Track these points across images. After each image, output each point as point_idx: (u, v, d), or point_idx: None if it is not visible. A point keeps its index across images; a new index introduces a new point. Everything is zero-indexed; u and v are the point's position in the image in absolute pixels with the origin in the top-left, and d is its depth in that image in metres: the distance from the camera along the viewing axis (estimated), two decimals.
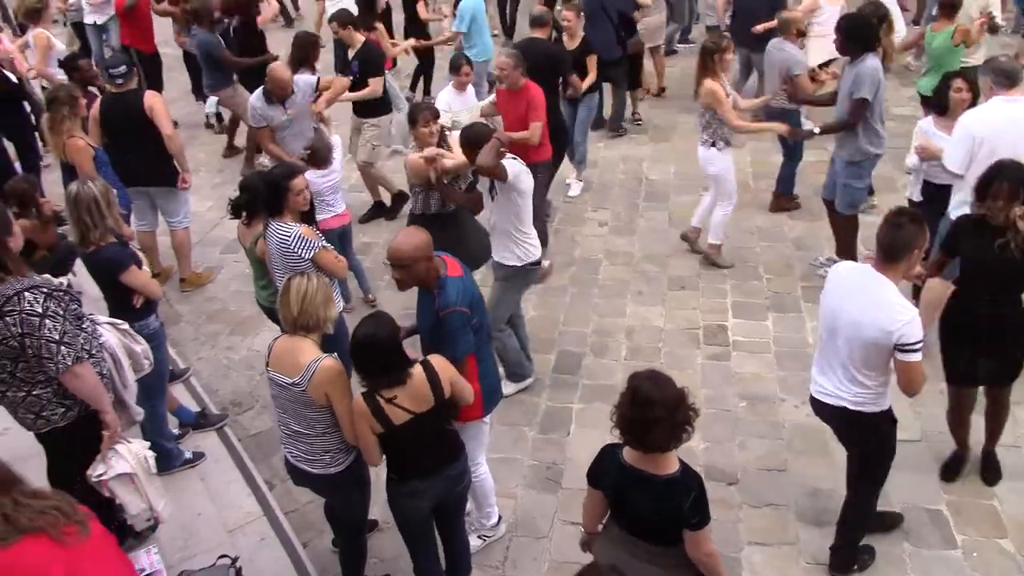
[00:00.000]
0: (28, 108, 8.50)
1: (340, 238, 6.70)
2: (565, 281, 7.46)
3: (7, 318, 3.72)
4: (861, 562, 4.68)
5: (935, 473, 5.22)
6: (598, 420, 5.69)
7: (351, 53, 8.19)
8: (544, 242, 7.73)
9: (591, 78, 8.49)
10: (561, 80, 8.05)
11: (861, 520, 4.57)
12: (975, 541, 4.79)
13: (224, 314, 7.30)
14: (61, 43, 9.54)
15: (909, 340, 3.84)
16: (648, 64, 10.96)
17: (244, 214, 5.54)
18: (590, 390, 6.12)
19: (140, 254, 5.10)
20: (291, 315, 3.90)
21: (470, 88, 8.02)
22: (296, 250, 4.92)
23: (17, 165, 8.33)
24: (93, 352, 4.04)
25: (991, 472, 5.18)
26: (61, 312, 3.82)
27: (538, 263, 5.71)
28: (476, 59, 9.70)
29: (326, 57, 9.58)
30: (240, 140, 9.86)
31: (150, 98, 6.85)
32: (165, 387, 5.37)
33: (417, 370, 3.80)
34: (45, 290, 3.81)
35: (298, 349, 3.89)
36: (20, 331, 3.73)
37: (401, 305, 6.33)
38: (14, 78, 8.25)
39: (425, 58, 11.37)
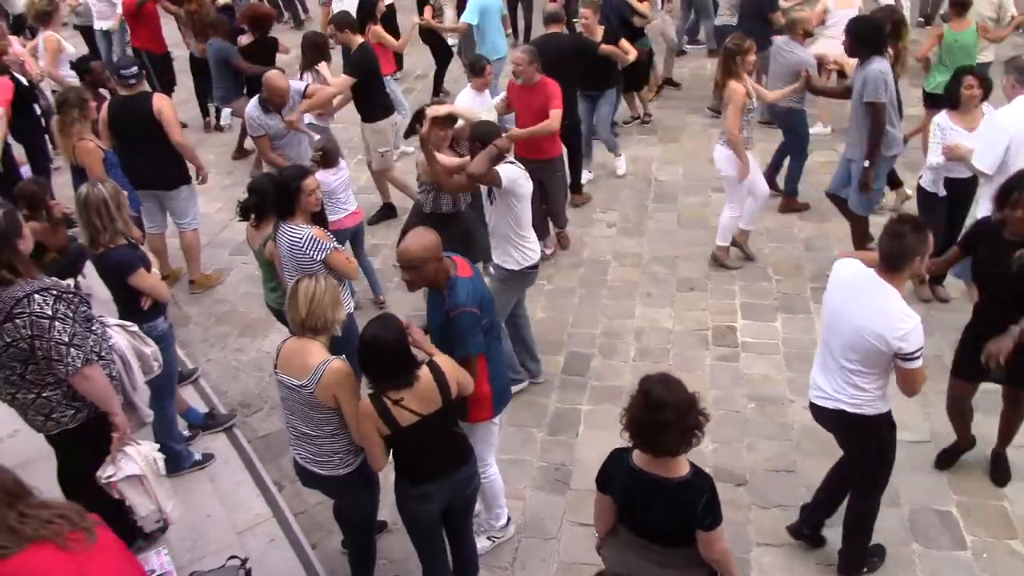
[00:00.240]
0: (38, 111, 8.53)
1: (353, 237, 6.72)
2: (574, 282, 7.45)
3: (17, 320, 3.73)
4: (871, 564, 4.66)
5: (944, 474, 5.20)
6: (607, 421, 5.70)
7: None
8: (560, 225, 7.88)
9: (632, 55, 8.48)
10: (588, 70, 8.21)
11: (865, 523, 4.54)
12: (985, 542, 4.77)
13: (233, 316, 7.32)
14: (71, 46, 9.58)
15: (910, 349, 3.84)
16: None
17: (253, 216, 5.56)
18: (599, 391, 6.12)
19: (150, 256, 5.11)
20: (299, 317, 3.91)
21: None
22: (308, 252, 4.93)
23: (27, 167, 8.38)
24: (103, 354, 4.05)
25: (1001, 473, 5.15)
26: (71, 314, 3.84)
27: (536, 267, 5.68)
28: (488, 58, 9.72)
29: (336, 58, 9.58)
30: (250, 142, 9.87)
31: (158, 101, 6.87)
32: (174, 389, 5.39)
33: (424, 372, 3.80)
34: (55, 292, 3.83)
35: (306, 351, 3.89)
36: (30, 333, 3.75)
37: (411, 306, 6.35)
38: (25, 81, 8.28)
39: (441, 58, 11.39)
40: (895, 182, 7.84)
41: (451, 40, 11.54)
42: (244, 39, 9.40)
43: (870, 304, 3.94)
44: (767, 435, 5.63)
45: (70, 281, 4.42)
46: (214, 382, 6.45)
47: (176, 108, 7.18)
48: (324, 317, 3.91)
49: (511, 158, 5.44)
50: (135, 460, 4.15)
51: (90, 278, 5.21)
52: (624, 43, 8.51)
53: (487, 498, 4.81)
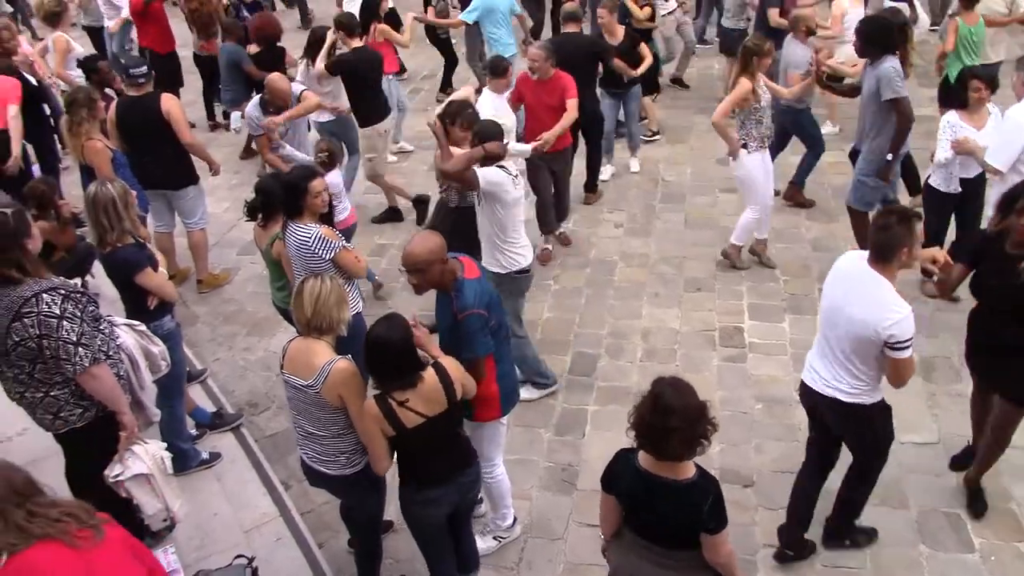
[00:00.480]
0: (47, 110, 8.56)
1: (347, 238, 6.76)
2: (580, 283, 7.45)
3: (25, 319, 3.74)
4: (854, 540, 4.77)
5: (952, 476, 5.18)
6: (613, 422, 5.69)
7: None
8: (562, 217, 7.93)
9: (646, 64, 8.59)
10: (604, 70, 8.29)
11: (857, 503, 4.66)
12: (993, 544, 4.75)
13: (241, 315, 7.34)
14: (80, 46, 9.61)
15: (899, 339, 3.89)
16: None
17: (260, 216, 5.57)
18: (605, 392, 6.12)
19: (157, 255, 5.12)
20: (304, 317, 3.91)
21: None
22: (317, 251, 4.93)
23: (36, 167, 8.40)
24: (110, 353, 4.06)
25: (978, 504, 4.95)
26: (78, 314, 3.85)
27: (526, 271, 5.62)
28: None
29: None
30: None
31: (167, 102, 6.88)
32: (183, 388, 5.40)
33: (429, 373, 3.80)
34: (63, 292, 3.84)
35: (312, 351, 3.90)
36: (38, 332, 3.76)
37: (418, 306, 6.33)
38: (34, 81, 8.31)
39: (450, 59, 11.39)
40: (914, 187, 7.82)
41: (454, 39, 11.56)
42: (253, 48, 9.41)
43: (863, 295, 4.00)
44: (774, 436, 5.62)
45: (78, 280, 4.43)
46: (221, 381, 6.46)
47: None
48: (329, 317, 3.91)
49: (508, 162, 5.40)
50: (142, 459, 4.16)
51: (98, 277, 5.22)
52: (643, 48, 8.59)
53: (494, 498, 4.82)
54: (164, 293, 4.99)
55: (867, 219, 6.91)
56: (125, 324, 4.42)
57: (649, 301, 7.14)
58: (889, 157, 6.63)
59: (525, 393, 5.61)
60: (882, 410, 4.29)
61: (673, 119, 10.60)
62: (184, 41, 11.09)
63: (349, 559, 4.79)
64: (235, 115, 10.36)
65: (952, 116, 6.27)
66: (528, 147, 6.97)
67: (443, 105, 6.54)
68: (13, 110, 7.35)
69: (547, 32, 12.33)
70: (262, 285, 7.13)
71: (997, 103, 6.36)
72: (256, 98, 7.18)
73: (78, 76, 8.65)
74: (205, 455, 5.48)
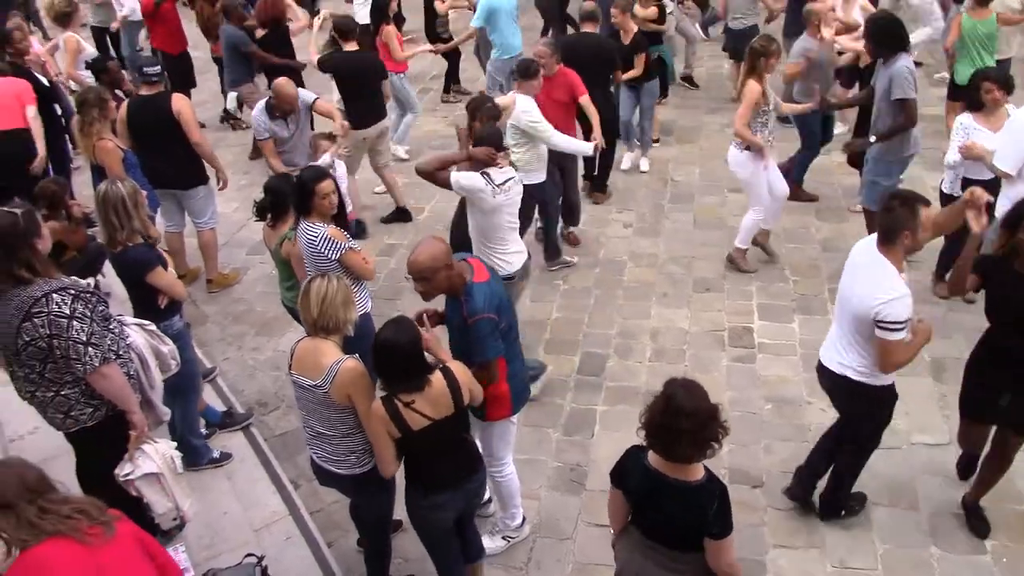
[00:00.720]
0: (58, 111, 8.59)
1: None
2: (589, 283, 7.44)
3: (35, 319, 3.76)
4: (849, 509, 4.91)
5: None
6: (622, 422, 5.69)
7: None
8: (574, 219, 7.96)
9: (634, 72, 8.66)
10: (625, 63, 8.40)
11: (850, 476, 4.81)
12: (1005, 546, 4.73)
13: (250, 315, 7.35)
14: (91, 47, 9.65)
15: (886, 319, 4.02)
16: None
17: (269, 216, 5.58)
18: (614, 392, 6.11)
19: (166, 255, 5.14)
20: (311, 317, 3.92)
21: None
22: (323, 251, 4.94)
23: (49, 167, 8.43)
24: (120, 353, 4.08)
25: (980, 525, 4.83)
26: (88, 313, 3.86)
27: (510, 278, 5.54)
28: (499, 57, 9.74)
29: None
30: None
31: (178, 101, 6.91)
32: (198, 385, 5.42)
33: (437, 376, 3.80)
34: (73, 292, 3.85)
35: (320, 351, 3.90)
36: (48, 332, 3.78)
37: (425, 307, 6.34)
38: (45, 81, 8.35)
39: (450, 58, 11.39)
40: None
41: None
42: (260, 32, 9.44)
43: (865, 275, 4.18)
44: (784, 437, 5.61)
45: (90, 280, 4.44)
46: (231, 381, 6.48)
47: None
48: (336, 317, 3.91)
49: (499, 171, 5.37)
50: (152, 458, 4.18)
51: (109, 277, 5.25)
52: (641, 58, 8.63)
53: (503, 497, 4.82)
54: (174, 292, 5.01)
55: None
56: (135, 323, 4.43)
57: (658, 301, 7.13)
58: (872, 139, 6.69)
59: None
60: (890, 395, 4.43)
61: (683, 119, 10.58)
62: (195, 42, 11.13)
63: (358, 558, 4.80)
64: (231, 95, 10.38)
65: (966, 118, 6.23)
66: (589, 146, 7.06)
67: (468, 100, 6.55)
68: (32, 111, 7.39)
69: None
70: (271, 285, 7.15)
71: (1013, 103, 6.30)
72: (261, 103, 7.17)
73: (88, 77, 8.68)
74: (216, 454, 5.50)
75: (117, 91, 7.87)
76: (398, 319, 3.84)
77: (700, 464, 3.25)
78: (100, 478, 4.09)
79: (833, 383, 4.54)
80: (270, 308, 7.21)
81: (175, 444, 4.45)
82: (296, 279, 5.30)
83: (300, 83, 8.43)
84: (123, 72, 8.30)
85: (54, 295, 3.79)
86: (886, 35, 6.47)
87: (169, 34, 10.38)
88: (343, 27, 8.13)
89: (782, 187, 7.31)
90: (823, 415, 5.64)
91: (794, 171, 8.33)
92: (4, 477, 2.88)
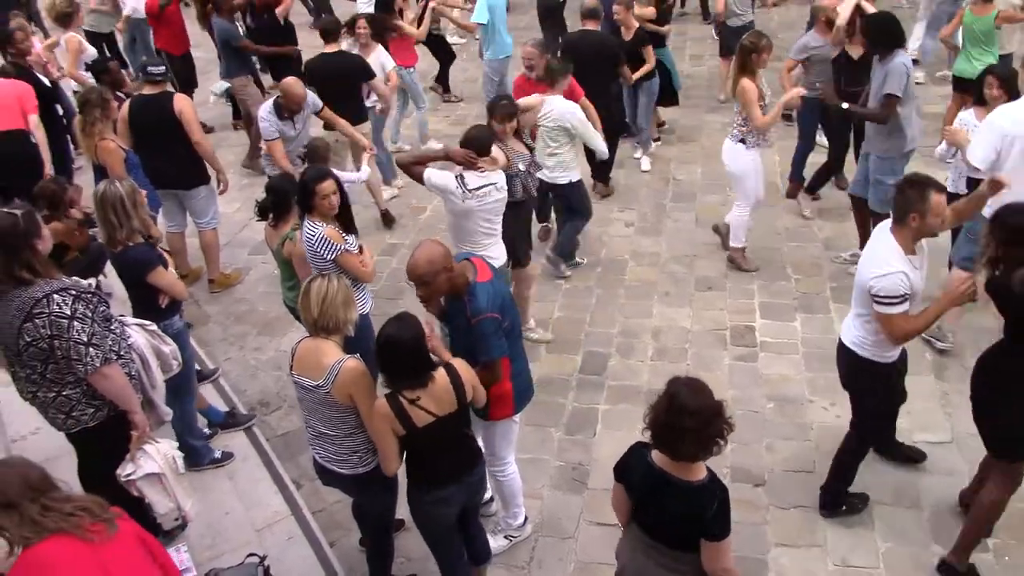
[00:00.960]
0: (60, 111, 8.60)
1: None
2: (591, 282, 7.44)
3: (36, 320, 3.76)
4: (851, 505, 4.94)
5: (965, 475, 5.15)
6: (624, 421, 5.69)
7: None
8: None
9: (647, 67, 8.69)
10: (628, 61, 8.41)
11: (853, 463, 4.86)
12: (1007, 544, 4.72)
13: (252, 315, 7.36)
14: (92, 47, 9.65)
15: (879, 293, 4.16)
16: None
17: (271, 216, 5.58)
18: (616, 391, 6.11)
19: (166, 255, 5.14)
20: (311, 317, 3.92)
21: None
22: (318, 250, 4.94)
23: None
24: (122, 353, 4.08)
25: None
26: (89, 314, 3.86)
27: None
28: (495, 57, 9.74)
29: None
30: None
31: (179, 101, 6.92)
32: (193, 386, 5.42)
33: (440, 373, 3.81)
34: (74, 292, 3.86)
35: (321, 351, 3.91)
36: (49, 333, 3.78)
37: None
38: (47, 81, 8.36)
39: (443, 56, 11.36)
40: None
41: (452, 39, 11.52)
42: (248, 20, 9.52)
43: (871, 249, 4.38)
44: (786, 435, 5.60)
45: (92, 281, 4.44)
46: (233, 381, 6.48)
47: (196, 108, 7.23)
48: (336, 317, 3.92)
49: (476, 175, 5.40)
50: (154, 458, 4.18)
51: (111, 277, 5.24)
52: (648, 50, 8.65)
53: (505, 496, 4.82)
54: (175, 292, 5.01)
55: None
56: (136, 324, 4.44)
57: (660, 300, 7.13)
58: (845, 105, 6.77)
59: None
60: (890, 372, 4.56)
61: (684, 118, 10.57)
62: (197, 41, 11.13)
63: (360, 558, 4.80)
64: (220, 84, 10.35)
65: (967, 114, 6.23)
66: (605, 148, 7.25)
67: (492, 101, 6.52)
68: (34, 119, 7.38)
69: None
70: (273, 285, 7.15)
71: None
72: (268, 103, 7.17)
73: (90, 77, 8.69)
74: (217, 454, 5.50)
75: (118, 92, 7.86)
76: (401, 315, 3.84)
77: (703, 464, 3.24)
78: (102, 478, 4.09)
79: (840, 357, 4.70)
80: (272, 308, 7.22)
81: (176, 445, 4.46)
82: (298, 279, 5.29)
83: (299, 69, 8.59)
84: (123, 72, 8.28)
85: (55, 296, 3.79)
86: (882, 32, 6.46)
87: (173, 36, 10.39)
88: (327, 28, 8.15)
89: (762, 191, 7.34)
90: (825, 414, 5.64)
91: (792, 169, 8.34)
92: (7, 476, 2.89)
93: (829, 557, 4.73)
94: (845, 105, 6.80)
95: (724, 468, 5.19)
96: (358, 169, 7.23)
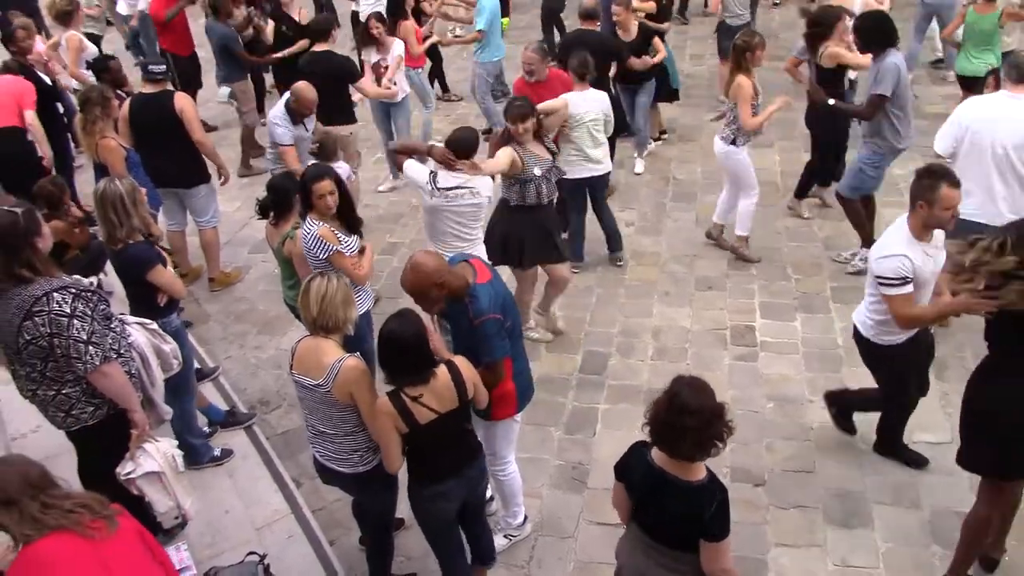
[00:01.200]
0: (60, 109, 8.59)
1: None
2: (591, 281, 7.44)
3: (36, 318, 3.76)
4: (906, 457, 5.23)
5: (965, 475, 5.13)
6: (624, 420, 5.69)
7: None
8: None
9: (661, 55, 8.73)
10: (617, 66, 8.35)
11: (893, 426, 5.19)
12: (1008, 545, 4.70)
13: (252, 314, 7.36)
14: (93, 45, 9.64)
15: (880, 274, 4.36)
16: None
17: (271, 214, 5.58)
18: (616, 391, 6.11)
19: (165, 253, 5.14)
20: (311, 315, 3.92)
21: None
22: (312, 249, 4.95)
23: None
24: (122, 352, 4.08)
25: None
26: (89, 312, 3.86)
27: None
28: (490, 59, 9.72)
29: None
30: (264, 140, 9.89)
31: (180, 100, 6.92)
32: (192, 385, 5.42)
33: (441, 370, 3.81)
34: (73, 291, 3.85)
35: (321, 350, 3.91)
36: (49, 331, 3.78)
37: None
38: (47, 79, 8.35)
39: (434, 57, 11.34)
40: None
41: (458, 32, 11.51)
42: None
43: (883, 233, 4.58)
44: (786, 435, 5.60)
45: (92, 279, 4.44)
46: (233, 379, 6.48)
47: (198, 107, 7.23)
48: (336, 316, 3.91)
49: (451, 174, 5.41)
50: (154, 457, 4.18)
51: (111, 276, 5.25)
52: (656, 41, 8.66)
53: (505, 495, 4.82)
54: (174, 290, 5.01)
55: (858, 206, 7.09)
56: (136, 322, 4.44)
57: (660, 300, 7.13)
58: (832, 101, 6.91)
59: None
60: (898, 353, 4.70)
61: (684, 117, 10.57)
62: (199, 41, 11.12)
63: (360, 556, 4.80)
64: (224, 90, 10.38)
65: None
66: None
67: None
68: (30, 115, 7.40)
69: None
70: (273, 283, 7.15)
71: None
72: (279, 110, 7.12)
73: (91, 76, 8.68)
74: (216, 452, 5.50)
75: (119, 90, 7.86)
76: (402, 312, 3.84)
77: (702, 464, 3.24)
78: (101, 477, 4.09)
79: (855, 339, 4.93)
80: (272, 307, 7.22)
81: (176, 443, 4.45)
82: (298, 278, 5.30)
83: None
84: (123, 72, 8.27)
85: (55, 294, 3.79)
86: (875, 32, 6.48)
87: (178, 38, 10.38)
88: (318, 27, 8.13)
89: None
90: (825, 414, 5.63)
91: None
92: (6, 474, 2.90)
93: (829, 557, 4.73)
94: (832, 101, 6.93)
95: (724, 468, 5.19)
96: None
